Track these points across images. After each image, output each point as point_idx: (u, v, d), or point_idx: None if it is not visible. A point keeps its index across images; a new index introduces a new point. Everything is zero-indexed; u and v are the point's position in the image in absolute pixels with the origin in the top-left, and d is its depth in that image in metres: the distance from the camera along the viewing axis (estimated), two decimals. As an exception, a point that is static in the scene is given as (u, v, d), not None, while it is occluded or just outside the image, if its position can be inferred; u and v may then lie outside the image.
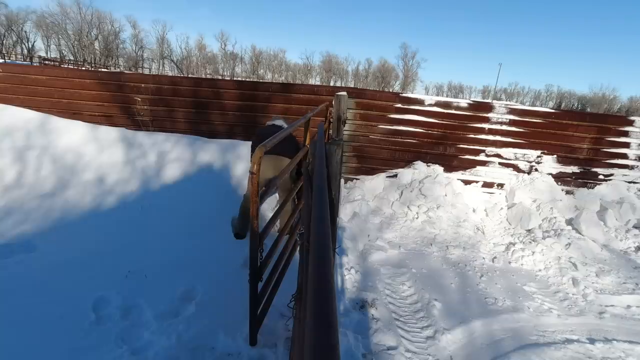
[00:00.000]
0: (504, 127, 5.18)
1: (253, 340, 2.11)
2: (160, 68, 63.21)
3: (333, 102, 4.07)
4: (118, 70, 45.95)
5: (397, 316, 2.71)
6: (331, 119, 4.33)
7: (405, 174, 5.14)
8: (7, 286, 2.52)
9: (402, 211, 4.74)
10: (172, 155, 4.88)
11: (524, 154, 5.26)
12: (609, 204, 4.85)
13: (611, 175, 5.31)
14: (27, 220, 3.52)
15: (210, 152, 4.94)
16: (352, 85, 63.18)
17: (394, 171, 5.34)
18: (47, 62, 31.00)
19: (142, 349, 2.09)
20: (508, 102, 5.29)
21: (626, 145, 5.21)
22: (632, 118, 5.20)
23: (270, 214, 3.76)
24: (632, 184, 5.27)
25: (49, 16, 51.54)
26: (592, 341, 2.66)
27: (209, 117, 5.38)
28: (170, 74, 57.70)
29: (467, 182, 5.32)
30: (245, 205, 3.41)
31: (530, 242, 4.12)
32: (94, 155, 4.71)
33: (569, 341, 2.64)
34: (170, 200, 4.15)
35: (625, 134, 5.18)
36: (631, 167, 5.28)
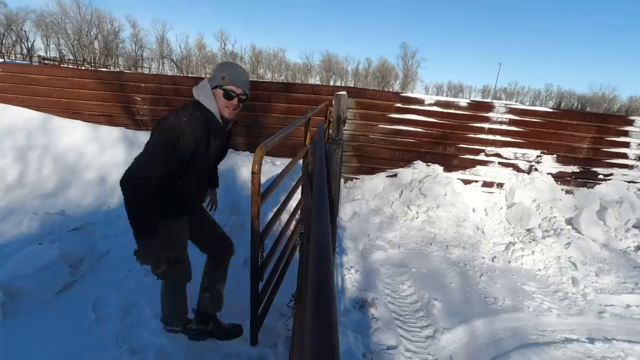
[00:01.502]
0: (504, 127, 5.18)
1: (254, 340, 2.11)
2: (160, 67, 63.20)
3: (333, 102, 4.07)
4: (118, 69, 45.96)
5: (397, 316, 2.72)
6: (331, 119, 4.33)
7: (405, 174, 5.14)
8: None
9: (402, 211, 4.75)
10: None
11: (524, 154, 5.26)
12: (609, 204, 4.85)
13: (611, 174, 5.31)
14: (28, 220, 3.52)
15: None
16: (352, 85, 63.13)
17: (394, 171, 5.34)
18: (46, 61, 30.99)
19: (142, 349, 2.09)
20: (508, 102, 5.30)
21: (626, 144, 5.22)
22: (632, 118, 5.21)
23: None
24: (632, 184, 5.28)
25: (49, 15, 51.53)
26: (591, 340, 2.66)
27: (209, 117, 5.37)
28: (170, 73, 57.67)
29: (467, 182, 5.32)
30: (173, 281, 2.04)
31: (530, 242, 4.13)
32: (95, 155, 4.71)
33: (569, 340, 2.65)
34: (171, 200, 4.15)
35: (625, 133, 5.18)
36: (631, 167, 5.28)
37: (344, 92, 4.15)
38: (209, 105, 1.70)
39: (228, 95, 1.70)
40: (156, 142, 1.55)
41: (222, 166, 4.84)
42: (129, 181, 1.48)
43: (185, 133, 1.57)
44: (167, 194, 1.71)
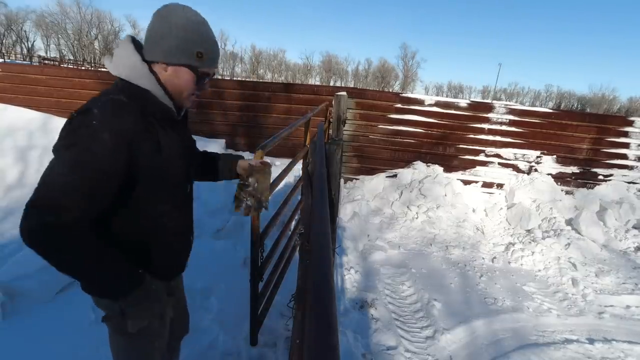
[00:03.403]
0: (504, 128, 5.19)
1: (254, 340, 2.11)
2: (160, 68, 63.15)
3: (333, 102, 4.08)
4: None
5: (396, 316, 2.72)
6: (331, 119, 4.34)
7: (405, 174, 5.14)
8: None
9: (402, 211, 4.75)
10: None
11: (524, 154, 5.27)
12: (609, 204, 4.85)
13: (611, 175, 5.31)
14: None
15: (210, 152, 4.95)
16: (352, 85, 63.20)
17: (394, 171, 5.34)
18: (46, 61, 31.01)
19: (142, 349, 2.09)
20: (508, 103, 5.30)
21: (626, 145, 5.22)
22: (631, 118, 5.21)
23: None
24: (631, 184, 5.28)
25: (49, 16, 51.61)
26: (591, 341, 2.67)
27: (209, 117, 5.38)
28: (170, 73, 57.49)
29: (466, 182, 5.32)
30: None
31: (529, 242, 4.13)
32: (94, 155, 4.72)
33: (569, 341, 2.65)
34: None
35: (625, 134, 5.18)
36: (631, 168, 5.28)
37: (344, 93, 4.16)
38: (149, 86, 1.03)
39: (202, 81, 1.07)
40: (64, 162, 0.87)
41: (222, 166, 4.85)
42: (37, 226, 0.84)
43: (102, 139, 0.88)
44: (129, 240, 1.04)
